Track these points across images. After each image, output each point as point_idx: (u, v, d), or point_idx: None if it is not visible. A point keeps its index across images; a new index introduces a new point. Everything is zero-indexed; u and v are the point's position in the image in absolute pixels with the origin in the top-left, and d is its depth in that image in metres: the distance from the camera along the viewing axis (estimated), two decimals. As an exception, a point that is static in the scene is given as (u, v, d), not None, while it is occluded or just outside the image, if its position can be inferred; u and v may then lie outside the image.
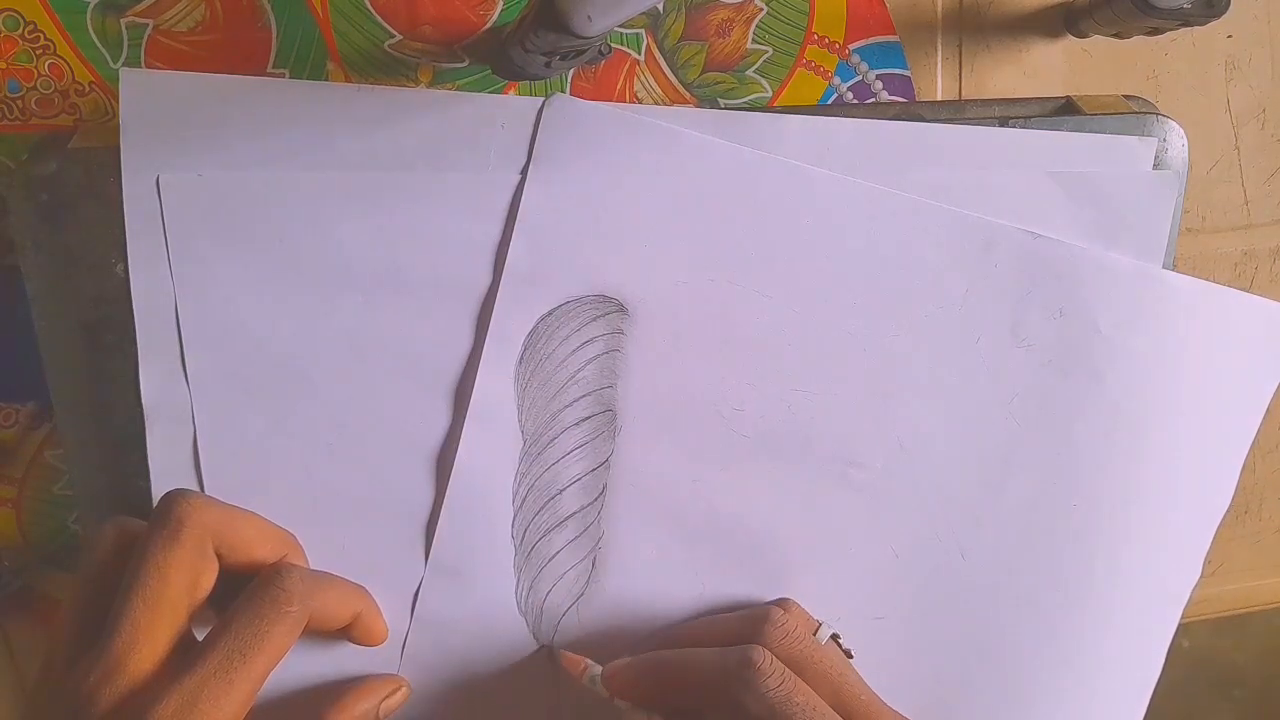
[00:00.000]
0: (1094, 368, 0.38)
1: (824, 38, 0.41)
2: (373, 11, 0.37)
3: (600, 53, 0.36)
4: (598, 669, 0.36)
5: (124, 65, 0.37)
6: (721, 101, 0.41)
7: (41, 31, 0.36)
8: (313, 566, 0.36)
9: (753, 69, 0.41)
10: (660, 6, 0.39)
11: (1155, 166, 0.39)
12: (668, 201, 0.36)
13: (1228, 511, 0.40)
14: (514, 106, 0.36)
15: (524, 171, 0.36)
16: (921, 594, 0.39)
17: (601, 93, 0.40)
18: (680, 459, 0.37)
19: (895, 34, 0.41)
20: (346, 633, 0.35)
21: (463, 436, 0.37)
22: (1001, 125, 0.38)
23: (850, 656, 0.36)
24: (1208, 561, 0.40)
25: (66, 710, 0.29)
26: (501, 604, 0.38)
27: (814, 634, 0.35)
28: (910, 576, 0.39)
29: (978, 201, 0.38)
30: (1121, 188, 0.38)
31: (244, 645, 0.30)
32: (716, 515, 0.38)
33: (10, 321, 0.37)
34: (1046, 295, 0.38)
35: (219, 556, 0.32)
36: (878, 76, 0.42)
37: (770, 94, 0.41)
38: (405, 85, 0.38)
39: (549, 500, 0.38)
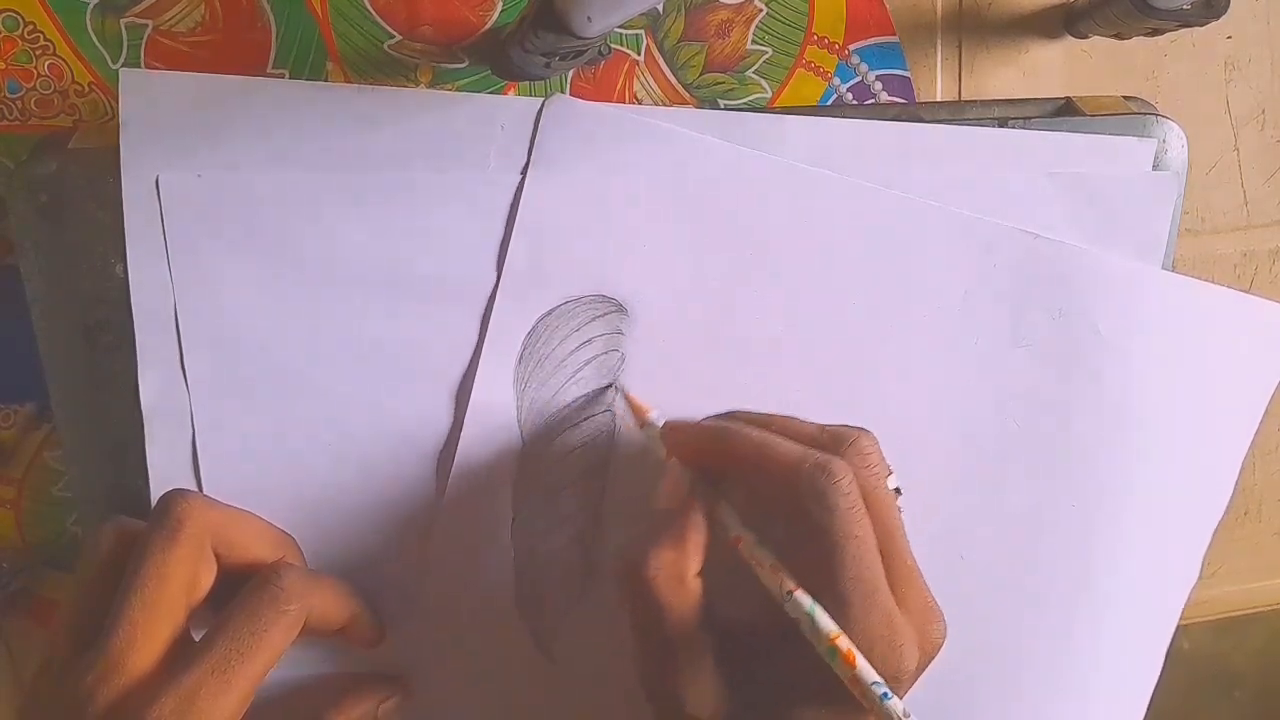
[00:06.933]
0: (1093, 368, 0.38)
1: (824, 38, 0.41)
2: (372, 12, 0.37)
3: (600, 53, 0.36)
4: (660, 422, 0.34)
5: (123, 65, 0.37)
6: (721, 102, 0.41)
7: (41, 32, 0.36)
8: (312, 567, 0.36)
9: (752, 69, 0.41)
10: (660, 7, 0.39)
11: (1155, 167, 0.39)
12: (668, 201, 0.36)
13: (1227, 513, 0.40)
14: (514, 107, 0.36)
15: (524, 171, 0.36)
16: (921, 595, 0.39)
17: (601, 93, 0.40)
18: (680, 459, 0.37)
19: (895, 35, 0.41)
20: (344, 633, 0.35)
21: (462, 436, 0.37)
22: (1001, 126, 0.38)
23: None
24: (1208, 563, 0.40)
25: (64, 710, 0.29)
26: (501, 604, 0.38)
27: (886, 477, 0.33)
28: (910, 577, 0.39)
29: (978, 202, 0.38)
30: (1121, 188, 0.38)
31: (242, 645, 0.29)
32: (716, 516, 0.38)
33: (10, 322, 0.37)
34: (1046, 295, 0.38)
35: (217, 557, 0.32)
36: (877, 77, 0.42)
37: (770, 95, 0.41)
38: (405, 86, 0.38)
39: (549, 500, 0.37)
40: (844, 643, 0.29)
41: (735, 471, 0.32)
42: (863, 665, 0.28)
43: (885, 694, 0.28)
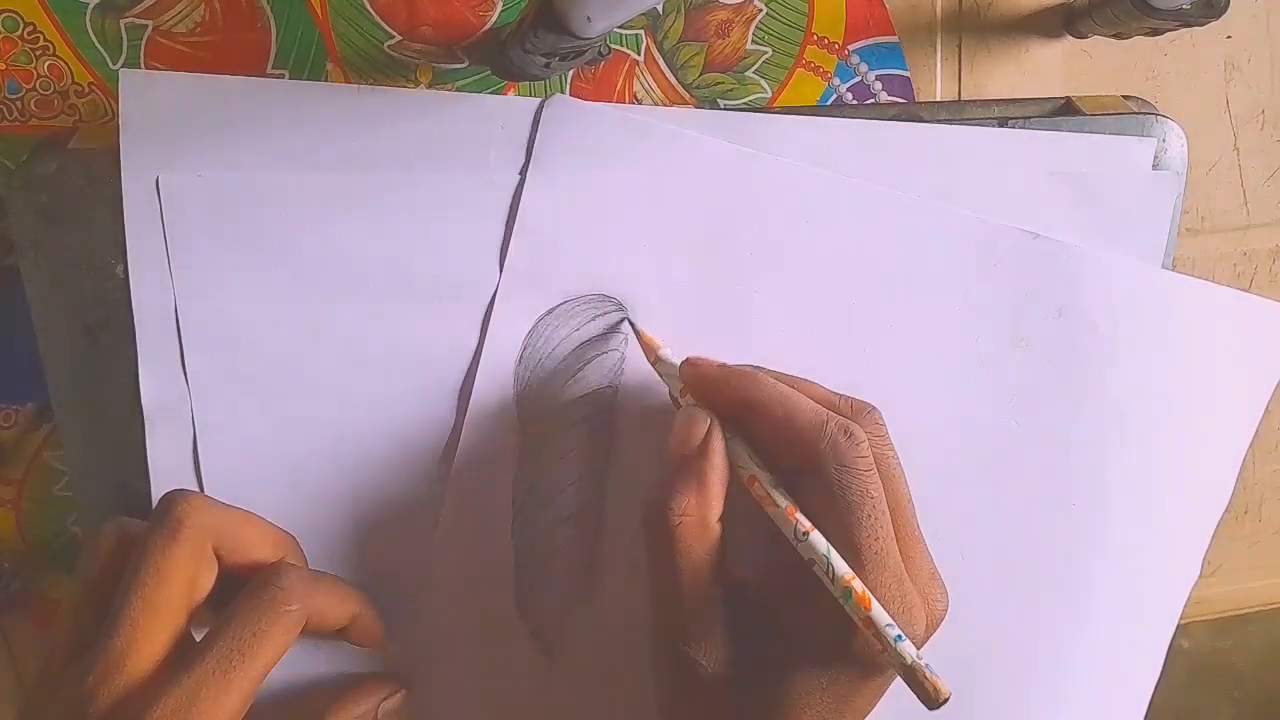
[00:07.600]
0: (1093, 368, 0.38)
1: (823, 38, 0.41)
2: (372, 12, 0.37)
3: (599, 53, 0.36)
4: (675, 361, 0.34)
5: (123, 66, 0.37)
6: (721, 102, 0.41)
7: (41, 32, 0.36)
8: (313, 567, 0.36)
9: (752, 69, 0.41)
10: (660, 7, 0.39)
11: (1155, 167, 0.39)
12: (668, 201, 0.36)
13: (1227, 512, 0.40)
14: (513, 107, 0.36)
15: (524, 172, 0.36)
16: (921, 594, 0.39)
17: (601, 93, 0.40)
18: (680, 459, 0.37)
19: (895, 34, 0.41)
20: (345, 634, 0.35)
21: (462, 436, 0.37)
22: (1001, 126, 0.38)
23: None
24: (1208, 562, 0.40)
25: (65, 710, 0.29)
26: (501, 604, 0.38)
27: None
28: (910, 577, 0.39)
29: (978, 201, 0.38)
30: (1121, 188, 0.38)
31: (242, 645, 0.29)
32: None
33: (10, 322, 0.37)
34: (1046, 295, 0.38)
35: (218, 557, 0.32)
36: (877, 77, 0.42)
37: (769, 95, 0.41)
38: (405, 86, 0.38)
39: (549, 500, 0.38)
40: (859, 585, 0.29)
41: (753, 420, 0.32)
42: (877, 608, 0.28)
43: (899, 636, 0.28)
